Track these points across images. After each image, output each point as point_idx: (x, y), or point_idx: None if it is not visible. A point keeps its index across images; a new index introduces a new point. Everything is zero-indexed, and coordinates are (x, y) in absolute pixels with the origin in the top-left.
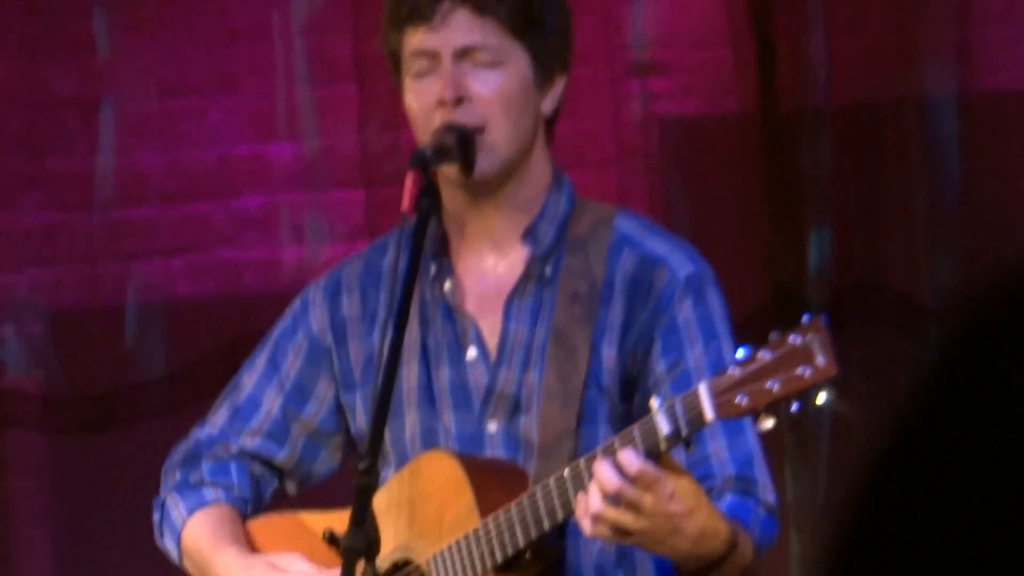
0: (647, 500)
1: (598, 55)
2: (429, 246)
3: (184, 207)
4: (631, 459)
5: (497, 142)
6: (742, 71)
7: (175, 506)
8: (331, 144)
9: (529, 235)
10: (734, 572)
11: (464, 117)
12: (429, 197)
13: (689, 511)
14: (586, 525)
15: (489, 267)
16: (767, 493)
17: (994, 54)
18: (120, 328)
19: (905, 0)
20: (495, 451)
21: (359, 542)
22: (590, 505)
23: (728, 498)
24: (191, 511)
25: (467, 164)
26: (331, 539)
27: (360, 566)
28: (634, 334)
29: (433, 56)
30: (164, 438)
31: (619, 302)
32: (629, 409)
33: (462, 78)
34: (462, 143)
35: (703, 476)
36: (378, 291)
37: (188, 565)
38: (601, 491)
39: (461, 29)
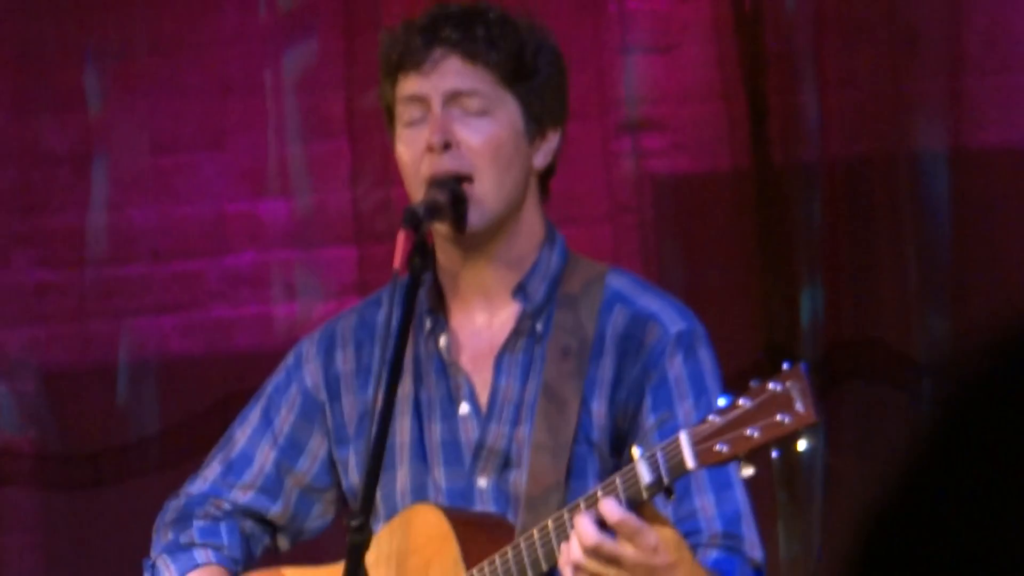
0: (628, 551)
1: (590, 111)
2: (424, 301)
3: (176, 264)
4: (612, 508)
5: (486, 193)
6: (734, 127)
7: (166, 568)
8: (323, 200)
9: (520, 291)
10: None
11: (452, 164)
12: (421, 255)
13: (671, 564)
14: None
15: (481, 322)
16: (754, 550)
17: (986, 108)
18: (112, 386)
19: (897, 54)
20: (485, 506)
21: None
22: (571, 555)
23: (714, 554)
24: (182, 574)
25: (459, 221)
26: None
27: None
28: (624, 389)
29: (423, 102)
30: (156, 495)
31: (609, 357)
32: (619, 464)
33: (451, 124)
34: (454, 201)
35: (690, 531)
36: (372, 346)
37: None
38: (581, 543)
39: (451, 74)
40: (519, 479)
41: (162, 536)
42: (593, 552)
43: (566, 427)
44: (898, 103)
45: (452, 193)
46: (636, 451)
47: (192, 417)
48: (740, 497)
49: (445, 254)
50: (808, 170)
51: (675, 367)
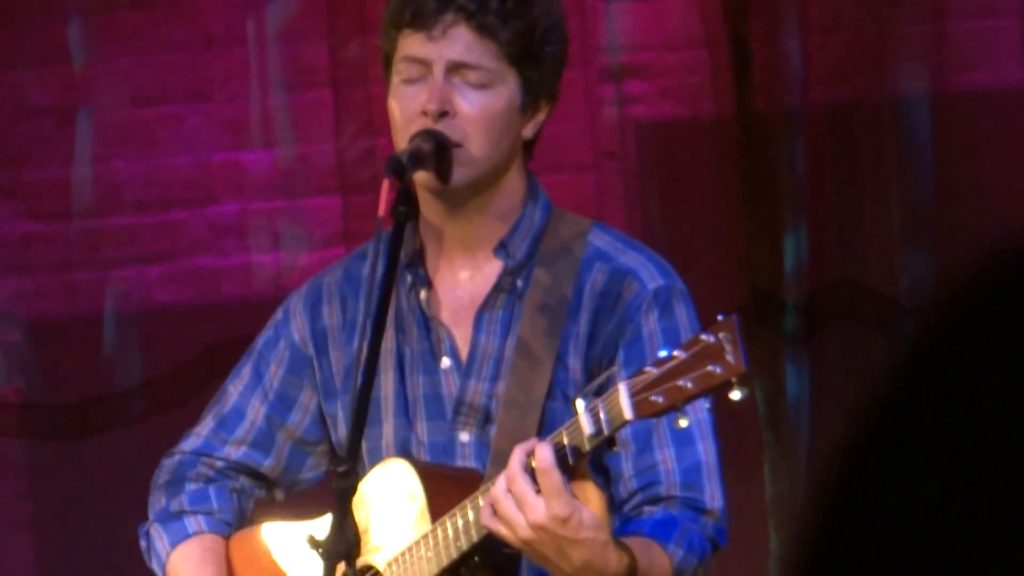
0: (539, 507)
1: (574, 59)
2: (404, 256)
3: (161, 215)
4: (545, 455)
5: (473, 160)
6: (717, 73)
7: (159, 537)
8: (307, 151)
9: (501, 248)
10: None
11: (445, 130)
12: (406, 203)
13: (577, 540)
14: (485, 511)
15: (463, 278)
16: (714, 501)
17: (968, 51)
18: (98, 336)
19: None
20: (467, 460)
21: (340, 545)
22: (494, 489)
23: (658, 514)
24: (173, 544)
25: (442, 172)
26: (312, 543)
27: (340, 568)
28: (599, 344)
29: (424, 65)
30: (142, 444)
31: (586, 313)
32: None
33: (450, 92)
34: (438, 150)
35: (651, 482)
36: (358, 299)
37: None
38: (505, 476)
39: (459, 45)
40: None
41: (156, 500)
42: (510, 491)
43: (539, 383)
44: (881, 48)
45: (436, 142)
46: (580, 403)
47: (177, 366)
48: (702, 451)
49: (428, 208)
50: (791, 115)
51: (650, 323)
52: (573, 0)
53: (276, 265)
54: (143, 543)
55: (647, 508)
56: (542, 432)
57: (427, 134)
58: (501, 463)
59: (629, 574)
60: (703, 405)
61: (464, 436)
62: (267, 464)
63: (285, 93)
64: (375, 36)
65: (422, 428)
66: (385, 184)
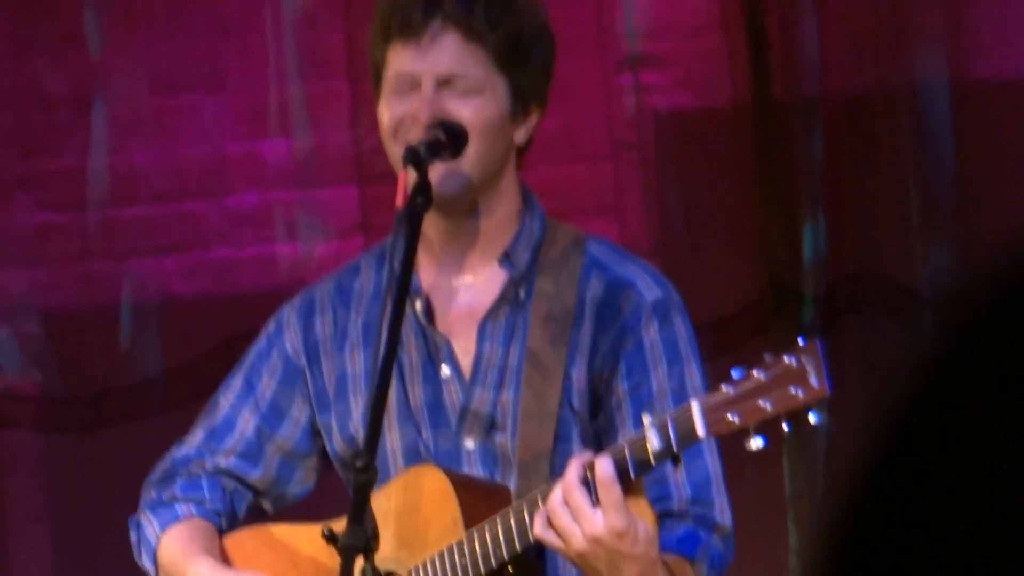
0: (596, 520)
1: (590, 48)
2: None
3: (177, 205)
4: (606, 468)
5: (467, 167)
6: (734, 62)
7: (149, 523)
8: (324, 140)
9: (506, 259)
10: None
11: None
12: (423, 193)
13: (631, 555)
14: (539, 521)
15: (462, 287)
16: (724, 516)
17: (987, 39)
18: (115, 327)
19: None
20: (472, 467)
21: (358, 539)
22: (550, 500)
23: (680, 530)
24: (164, 527)
25: (458, 152)
26: (329, 537)
27: (359, 563)
28: (600, 355)
29: (414, 79)
30: (159, 437)
31: (588, 324)
32: (599, 429)
33: (441, 102)
34: (452, 136)
35: (661, 496)
36: (348, 311)
37: None
38: (562, 488)
39: (446, 55)
40: (505, 441)
41: (147, 495)
42: (566, 502)
43: (552, 393)
44: (899, 35)
45: (449, 129)
46: (647, 417)
47: (195, 358)
48: (710, 464)
49: (425, 222)
50: (809, 104)
51: (650, 334)
52: None
53: (293, 256)
54: (133, 536)
55: (666, 520)
56: (557, 442)
57: (441, 124)
58: (525, 474)
59: None
60: None
61: (469, 443)
62: (255, 475)
63: (302, 82)
64: None
65: (428, 436)
66: (402, 175)
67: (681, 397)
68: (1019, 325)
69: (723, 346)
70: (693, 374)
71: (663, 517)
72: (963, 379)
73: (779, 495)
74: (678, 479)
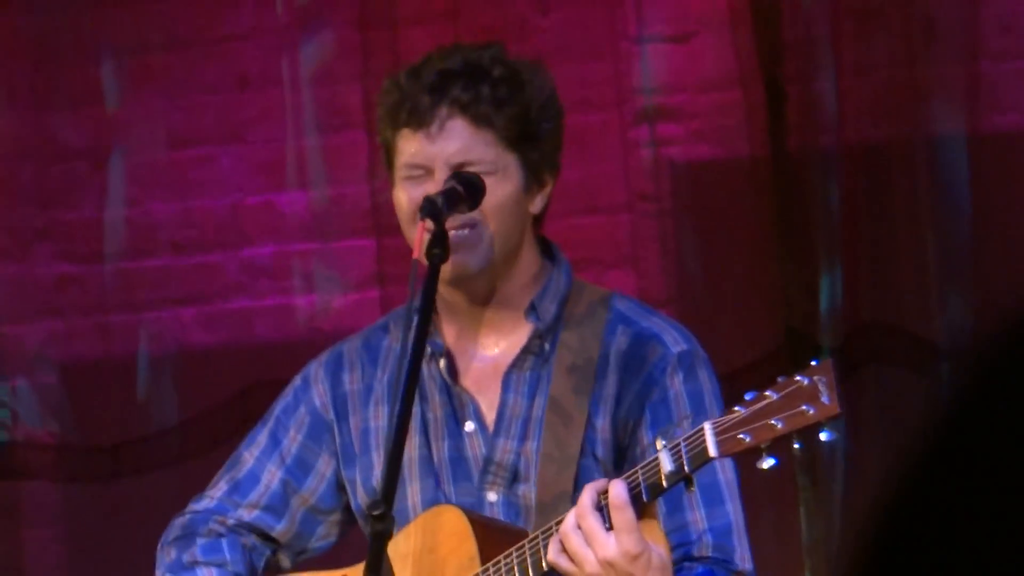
0: (610, 543)
1: (608, 101)
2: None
3: (195, 257)
4: (620, 491)
5: (487, 244)
6: (752, 114)
7: None
8: (341, 192)
9: (532, 311)
10: None
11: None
12: (440, 245)
13: None
14: (552, 546)
15: (487, 346)
16: (744, 563)
17: (1003, 93)
18: (132, 378)
19: (913, 40)
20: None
21: None
22: (563, 526)
23: (700, 569)
24: None
25: (476, 204)
26: None
27: None
28: (625, 406)
29: (427, 168)
30: (176, 487)
31: (613, 375)
32: None
33: None
34: (469, 187)
35: (682, 542)
36: (375, 368)
37: None
38: (575, 512)
39: (456, 141)
40: (528, 492)
41: (166, 554)
42: (579, 526)
43: (573, 440)
44: (915, 89)
45: (467, 182)
46: (660, 441)
47: (212, 409)
48: (732, 512)
49: (446, 290)
50: (826, 156)
51: (675, 385)
52: (607, 42)
53: (310, 307)
54: None
55: (685, 564)
56: (577, 488)
57: (457, 176)
58: (544, 515)
59: None
60: (731, 465)
61: (492, 496)
62: (279, 528)
63: (319, 134)
64: None
65: (449, 490)
66: (420, 227)
67: None
68: None
69: (740, 398)
70: None
71: (683, 561)
72: (980, 431)
73: (796, 544)
74: (700, 527)
